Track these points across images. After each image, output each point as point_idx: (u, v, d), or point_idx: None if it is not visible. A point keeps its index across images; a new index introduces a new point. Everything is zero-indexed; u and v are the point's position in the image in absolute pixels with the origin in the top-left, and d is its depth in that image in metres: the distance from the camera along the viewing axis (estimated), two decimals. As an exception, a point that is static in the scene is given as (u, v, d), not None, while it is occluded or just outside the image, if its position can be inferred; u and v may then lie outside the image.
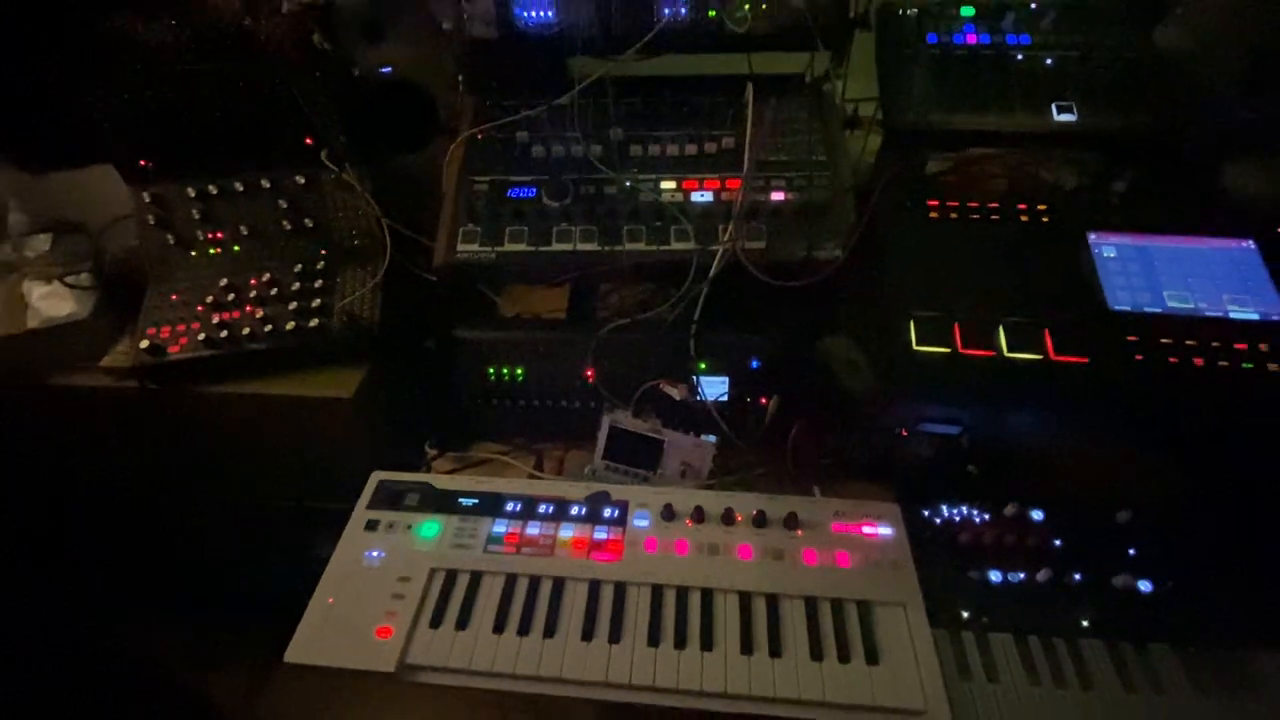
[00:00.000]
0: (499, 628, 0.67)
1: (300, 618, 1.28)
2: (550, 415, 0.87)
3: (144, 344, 0.93)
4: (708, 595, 0.70)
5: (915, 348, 0.66)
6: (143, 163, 1.00)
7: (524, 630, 0.67)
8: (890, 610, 0.68)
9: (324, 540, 1.23)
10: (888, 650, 0.65)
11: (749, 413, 0.83)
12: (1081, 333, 0.65)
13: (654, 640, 0.66)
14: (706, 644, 0.66)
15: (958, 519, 0.75)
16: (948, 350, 0.65)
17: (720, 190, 0.83)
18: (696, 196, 0.83)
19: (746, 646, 0.66)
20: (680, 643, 0.66)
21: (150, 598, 1.32)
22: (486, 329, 0.86)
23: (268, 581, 1.25)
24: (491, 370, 0.86)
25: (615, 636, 0.67)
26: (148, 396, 0.96)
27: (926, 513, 0.76)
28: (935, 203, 0.75)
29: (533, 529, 0.75)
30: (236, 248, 1.00)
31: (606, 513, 0.76)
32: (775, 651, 0.65)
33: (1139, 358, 0.64)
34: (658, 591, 0.70)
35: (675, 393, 0.78)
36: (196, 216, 0.99)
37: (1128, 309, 0.68)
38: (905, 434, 0.80)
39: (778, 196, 0.82)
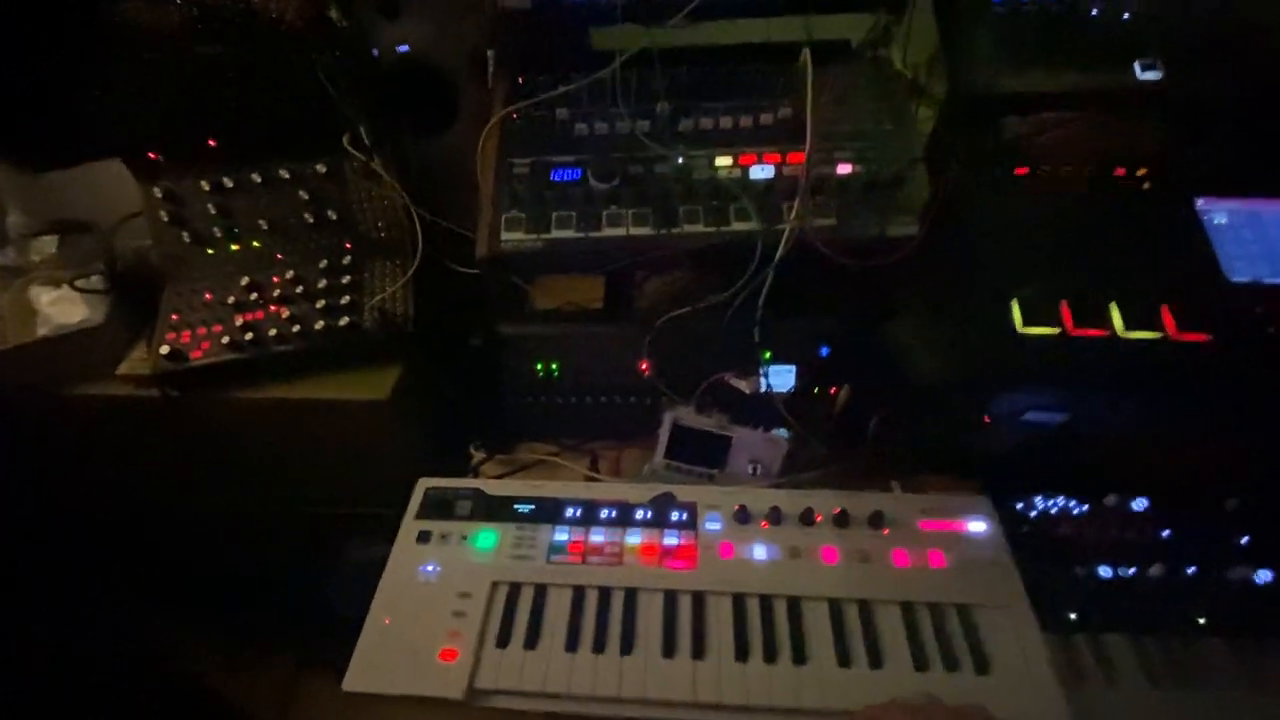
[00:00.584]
0: (571, 645, 0.62)
1: (335, 627, 1.24)
2: (602, 412, 0.82)
3: (164, 350, 0.87)
4: (794, 604, 0.65)
5: (1022, 330, 0.60)
6: (151, 155, 0.93)
7: (599, 647, 0.62)
8: (994, 614, 0.63)
9: (360, 546, 1.19)
10: (997, 658, 0.60)
11: (818, 404, 0.78)
12: (1202, 308, 0.60)
13: (742, 654, 0.61)
14: (799, 656, 0.61)
15: (1054, 511, 0.70)
16: (1057, 331, 0.60)
17: (781, 164, 0.77)
18: (756, 172, 0.77)
19: (843, 658, 0.61)
20: (770, 656, 0.61)
21: (182, 609, 1.28)
22: (532, 323, 0.80)
23: (302, 589, 1.21)
24: (539, 366, 0.80)
25: (699, 652, 0.62)
26: (170, 405, 0.90)
27: (1019, 505, 0.70)
28: (1023, 170, 0.69)
29: (597, 536, 0.70)
30: (257, 244, 0.94)
31: (674, 516, 0.71)
32: (875, 662, 0.60)
33: (1271, 331, 0.58)
34: (740, 601, 0.65)
35: (744, 386, 0.72)
36: (212, 211, 0.92)
37: (1248, 280, 0.63)
38: (988, 421, 0.75)
39: (844, 169, 0.76)
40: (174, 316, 0.92)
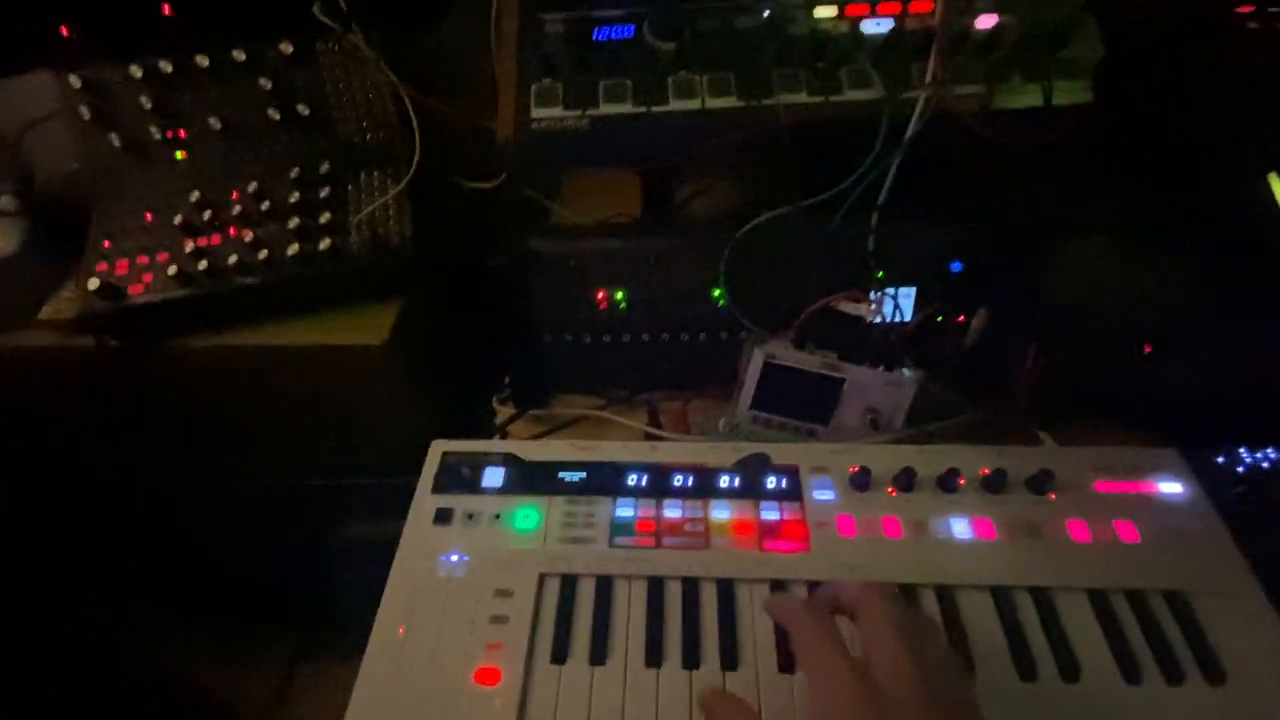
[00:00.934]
0: (654, 660, 0.46)
1: (333, 614, 1.08)
2: (661, 353, 0.64)
3: (92, 284, 0.68)
4: (947, 595, 0.48)
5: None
6: (63, 31, 0.72)
7: (691, 662, 0.46)
8: (1216, 602, 0.47)
9: (359, 521, 1.03)
10: (1232, 662, 0.45)
11: (943, 336, 0.60)
12: None
13: (886, 666, 0.46)
14: (966, 665, 0.45)
15: (1266, 465, 0.54)
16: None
17: (902, 16, 0.57)
18: (868, 26, 0.57)
19: (1025, 668, 0.45)
20: (925, 667, 0.46)
21: (162, 602, 1.12)
22: (570, 238, 0.62)
23: (295, 573, 1.05)
24: (579, 294, 0.62)
25: (828, 664, 0.46)
26: (110, 357, 0.72)
27: (1220, 459, 0.55)
28: (1247, 8, 0.51)
29: (672, 510, 0.53)
30: (209, 150, 0.74)
31: (771, 483, 0.54)
32: (1069, 673, 0.45)
33: None
34: (872, 592, 0.49)
35: (862, 311, 0.55)
36: (148, 107, 0.72)
37: None
38: (1149, 350, 0.59)
39: (987, 21, 0.57)
40: (105, 244, 0.72)
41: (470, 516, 0.54)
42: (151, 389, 0.75)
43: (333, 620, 1.14)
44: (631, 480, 0.55)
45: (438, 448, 0.58)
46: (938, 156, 0.55)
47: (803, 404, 0.57)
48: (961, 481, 0.53)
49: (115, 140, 0.72)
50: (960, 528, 0.51)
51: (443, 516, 0.54)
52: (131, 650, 1.09)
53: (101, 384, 0.75)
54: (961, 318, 0.61)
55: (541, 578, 0.50)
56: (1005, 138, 0.52)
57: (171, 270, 0.68)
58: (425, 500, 0.55)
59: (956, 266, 0.59)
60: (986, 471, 0.53)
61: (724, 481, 0.54)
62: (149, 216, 0.72)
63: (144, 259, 0.70)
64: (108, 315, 0.69)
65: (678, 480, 0.55)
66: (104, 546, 0.99)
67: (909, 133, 0.53)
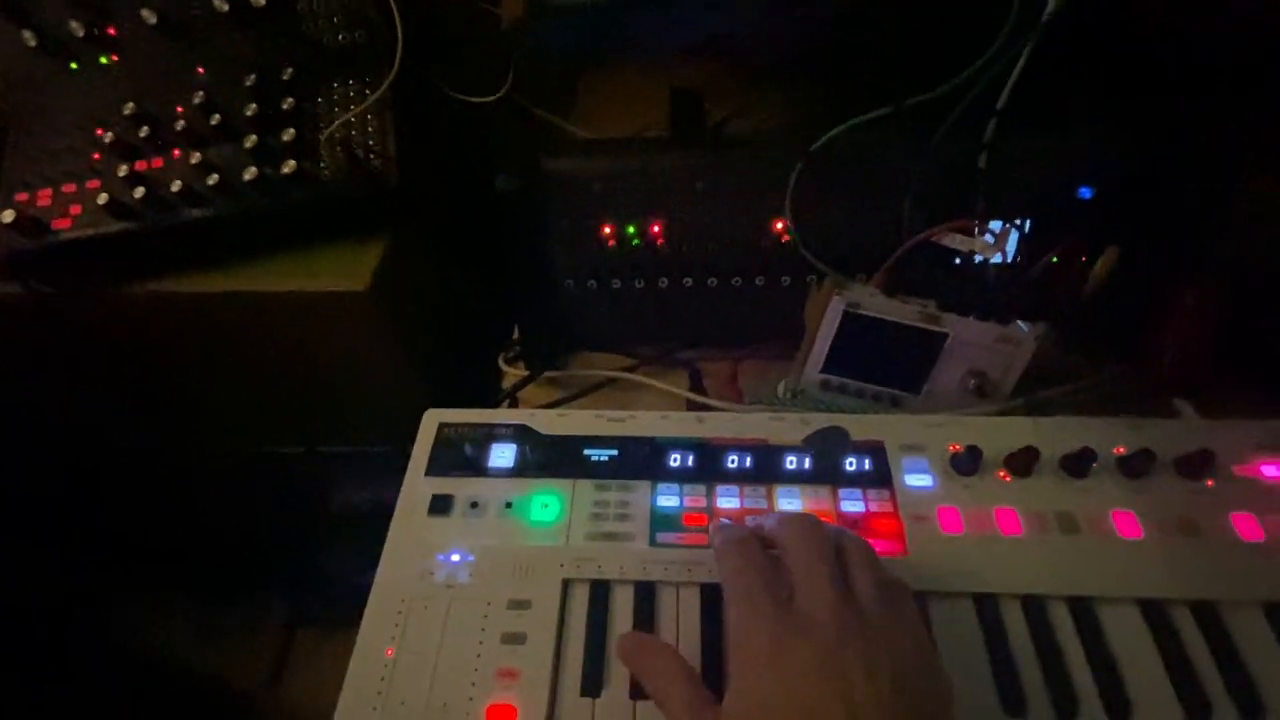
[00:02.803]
0: (714, 687, 0.36)
1: (325, 582, 0.99)
2: (705, 302, 0.52)
3: (7, 216, 0.55)
4: (1082, 609, 0.38)
5: None
6: (-52, -108, 0.58)
7: (760, 695, 0.36)
8: None
9: (342, 491, 0.93)
10: None
11: (1058, 280, 0.48)
12: None
13: (1013, 704, 0.36)
14: (1116, 706, 0.36)
15: None
16: None
17: None
18: None
19: (1195, 704, 0.35)
20: (1065, 707, 0.36)
21: (144, 579, 1.04)
22: (592, 155, 0.49)
23: (281, 543, 0.97)
24: (605, 230, 0.50)
25: (938, 700, 0.36)
26: (43, 304, 0.60)
27: None
28: None
29: (728, 499, 0.43)
30: (144, 52, 0.60)
31: (851, 464, 0.43)
32: (1252, 711, 0.35)
33: None
34: (986, 607, 0.38)
35: (974, 247, 0.43)
36: (66, -4, 0.59)
37: None
38: None
39: None
40: (24, 167, 0.60)
41: (474, 505, 0.43)
42: (96, 342, 0.64)
43: (323, 591, 1.07)
44: (674, 460, 0.44)
45: (432, 418, 0.47)
46: (1080, 48, 0.42)
47: (889, 365, 0.46)
48: (1095, 465, 0.42)
49: (29, 39, 0.58)
50: (1097, 523, 0.40)
51: (440, 505, 0.43)
52: (114, 626, 1.02)
53: (37, 336, 0.64)
54: (1083, 256, 0.48)
55: (566, 584, 0.40)
56: (1185, 19, 0.38)
57: (103, 199, 0.55)
58: (418, 485, 0.44)
59: (1086, 193, 0.46)
60: (1123, 451, 0.43)
61: (791, 462, 0.43)
62: (75, 134, 0.59)
63: (70, 187, 0.58)
64: (31, 255, 0.57)
65: (732, 461, 0.44)
66: (73, 518, 0.90)
67: (1048, 9, 0.40)
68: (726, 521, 0.40)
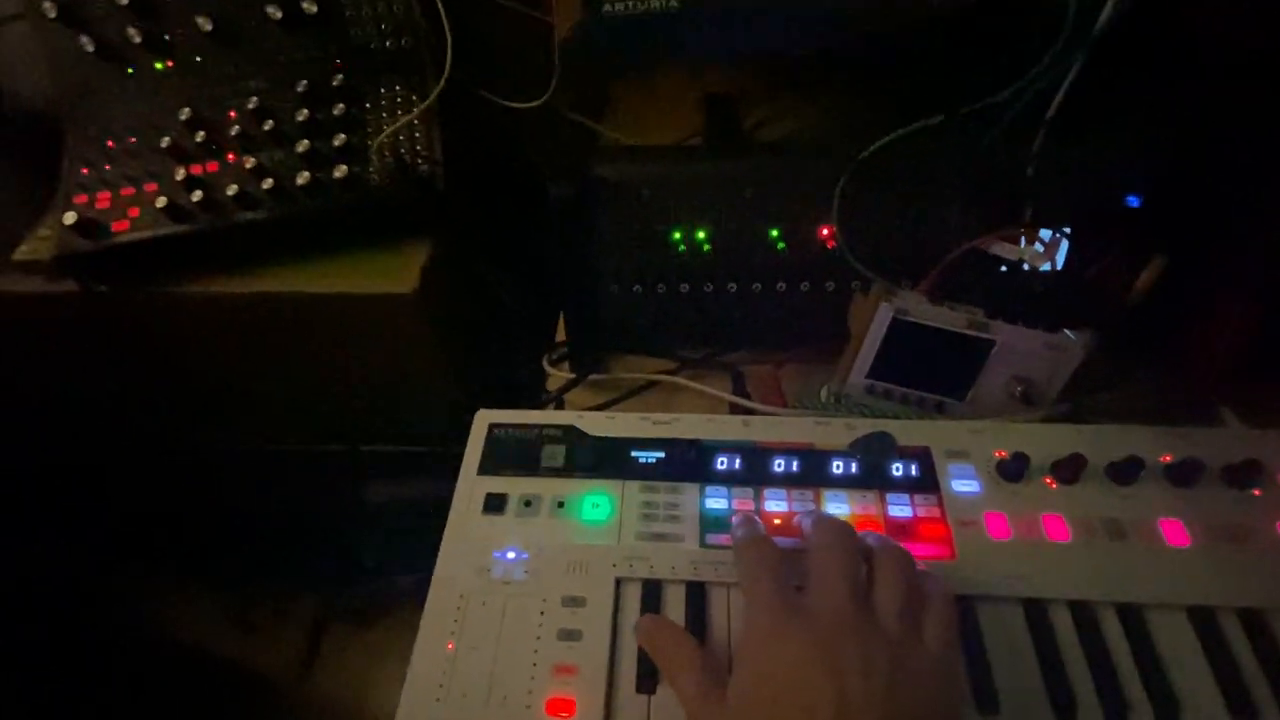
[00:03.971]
0: (761, 688, 0.37)
1: (357, 574, 1.01)
2: (749, 307, 0.52)
3: (69, 218, 0.57)
4: (1131, 615, 0.39)
5: None
6: (14, -96, 0.60)
7: (812, 693, 0.37)
8: None
9: (385, 487, 0.95)
10: None
11: (1103, 287, 0.49)
12: None
13: (1064, 708, 0.36)
14: (1165, 711, 0.36)
15: None
16: None
17: None
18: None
19: (1242, 712, 0.36)
20: (1115, 710, 0.36)
21: (179, 569, 1.06)
22: (643, 163, 0.50)
23: (316, 536, 0.98)
24: (652, 234, 0.51)
25: (989, 703, 0.37)
26: (97, 304, 0.62)
27: None
28: None
29: (776, 501, 0.44)
30: (199, 58, 0.62)
31: (897, 470, 0.44)
32: None
33: None
34: (1035, 612, 0.39)
35: (1022, 255, 0.43)
36: (124, 3, 0.60)
37: None
38: None
39: None
40: (83, 171, 0.61)
41: (528, 504, 0.44)
42: (148, 340, 0.66)
43: (355, 585, 1.09)
44: (722, 463, 0.45)
45: (483, 419, 0.48)
46: (1131, 58, 0.42)
47: (935, 371, 0.46)
48: (1142, 473, 0.42)
49: (87, 44, 0.60)
50: (1145, 530, 0.41)
51: (494, 504, 0.44)
52: (148, 617, 1.04)
53: (92, 334, 0.66)
54: (1130, 266, 0.49)
55: (619, 583, 0.41)
56: (1236, 29, 0.39)
57: (160, 203, 0.57)
58: (472, 484, 0.45)
59: (1134, 201, 0.46)
60: (1170, 459, 0.43)
61: (837, 467, 0.44)
62: (132, 140, 0.61)
63: (129, 190, 0.59)
64: (90, 256, 0.58)
65: (779, 464, 0.45)
66: (112, 510, 0.92)
67: (1100, 22, 0.40)
68: (745, 516, 0.41)
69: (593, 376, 0.54)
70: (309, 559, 1.02)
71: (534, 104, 0.64)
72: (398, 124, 0.58)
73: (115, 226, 0.58)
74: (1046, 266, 0.44)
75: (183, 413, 0.74)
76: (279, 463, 0.78)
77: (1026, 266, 0.44)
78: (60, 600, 0.97)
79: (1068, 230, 0.45)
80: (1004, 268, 0.46)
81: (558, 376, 0.55)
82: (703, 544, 0.42)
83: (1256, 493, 0.42)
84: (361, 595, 1.07)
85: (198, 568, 1.04)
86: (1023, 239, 0.45)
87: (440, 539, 0.43)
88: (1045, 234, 0.43)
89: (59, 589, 0.94)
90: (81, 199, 0.60)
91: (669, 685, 0.36)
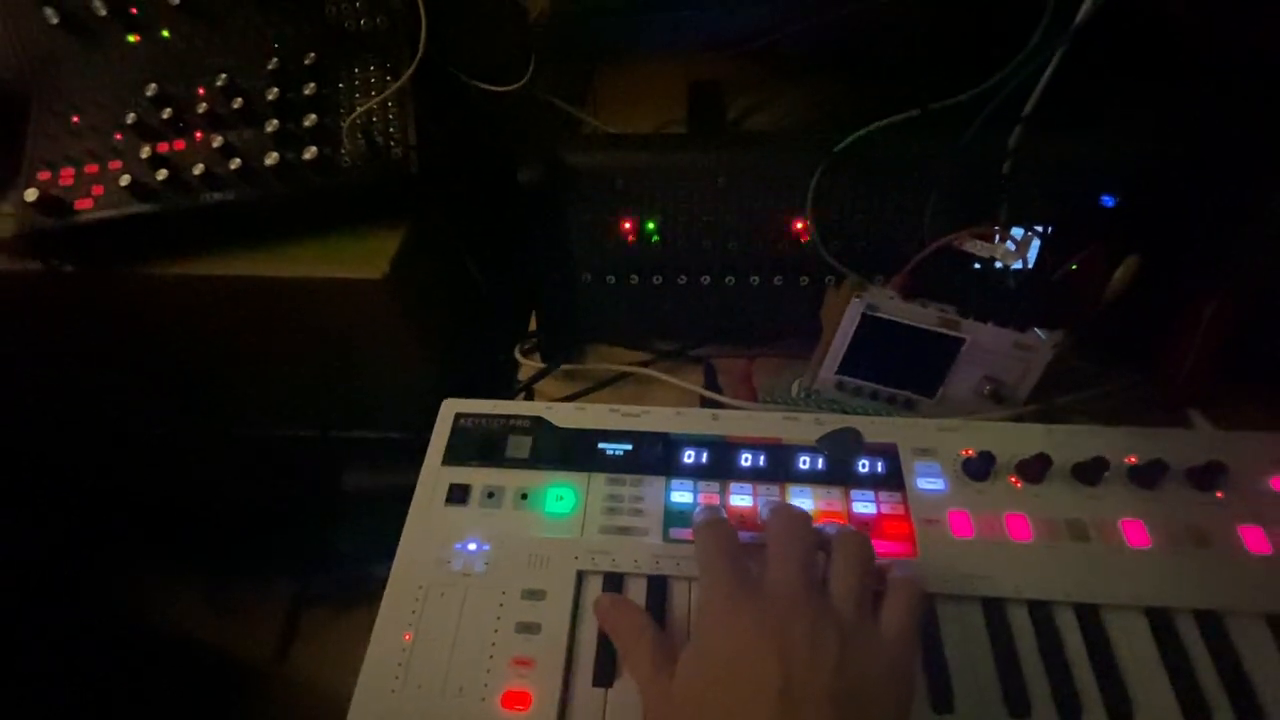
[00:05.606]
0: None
1: (333, 559, 1.01)
2: (722, 300, 0.52)
3: (31, 195, 0.56)
4: (1090, 617, 0.39)
5: None
6: None
7: (770, 690, 0.37)
8: None
9: (357, 474, 0.94)
10: None
11: (1076, 287, 0.48)
12: None
13: (1018, 706, 0.36)
14: (1119, 711, 0.36)
15: None
16: None
17: None
18: None
19: (1196, 713, 0.36)
20: (1069, 709, 0.36)
21: (156, 554, 1.06)
22: (616, 151, 0.49)
23: (291, 521, 0.98)
24: (624, 224, 0.50)
25: (944, 702, 0.37)
26: (65, 284, 0.61)
27: None
28: None
29: (741, 496, 0.43)
30: (166, 33, 0.60)
31: (864, 466, 0.44)
32: (1252, 717, 0.36)
33: None
34: (995, 612, 0.39)
35: (995, 253, 0.43)
36: (89, -26, 0.58)
37: None
38: None
39: None
40: (47, 147, 0.60)
41: (491, 495, 0.44)
42: (115, 323, 0.65)
43: (331, 571, 1.09)
44: (688, 457, 0.45)
45: (450, 408, 0.48)
46: (1110, 54, 0.42)
47: (905, 369, 0.46)
48: (1106, 472, 0.42)
49: (51, 15, 0.58)
50: (1107, 530, 0.41)
51: (457, 495, 0.43)
52: (123, 603, 1.03)
53: (57, 316, 0.65)
54: (1095, 264, 0.48)
55: (580, 576, 0.40)
56: (1216, 26, 0.38)
57: (124, 180, 0.55)
58: (436, 474, 0.45)
59: (1109, 201, 0.46)
60: (1135, 460, 0.43)
61: (804, 462, 0.44)
62: (97, 115, 0.59)
63: (93, 167, 0.58)
64: (54, 234, 0.57)
65: (746, 459, 0.44)
66: (83, 496, 0.91)
67: (1080, 15, 0.40)
68: (707, 506, 0.42)
69: (564, 367, 0.53)
70: (285, 545, 1.01)
71: (512, 88, 0.63)
72: (370, 103, 0.56)
73: (79, 204, 0.57)
74: (1018, 265, 0.44)
75: (151, 397, 0.72)
76: (249, 448, 0.77)
77: (999, 264, 0.44)
78: (33, 588, 0.96)
79: (1040, 229, 0.45)
80: (977, 265, 0.45)
81: (529, 367, 0.54)
82: (666, 538, 0.41)
83: (1219, 495, 0.42)
84: (338, 582, 1.07)
85: (172, 553, 1.03)
86: (996, 236, 0.45)
87: (416, 528, 0.43)
88: (1017, 232, 0.43)
89: (30, 577, 0.93)
90: (45, 175, 0.58)
91: (623, 661, 0.36)
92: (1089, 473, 0.42)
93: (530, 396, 0.53)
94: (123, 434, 0.79)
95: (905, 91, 0.44)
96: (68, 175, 0.58)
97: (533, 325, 0.58)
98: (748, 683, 0.30)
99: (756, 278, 0.50)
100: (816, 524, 0.38)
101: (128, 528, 0.98)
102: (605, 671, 0.37)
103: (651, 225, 0.49)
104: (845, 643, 0.31)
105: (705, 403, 0.51)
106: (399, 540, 0.42)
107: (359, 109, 0.57)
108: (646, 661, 0.34)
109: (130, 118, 0.58)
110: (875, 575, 0.35)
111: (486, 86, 0.63)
